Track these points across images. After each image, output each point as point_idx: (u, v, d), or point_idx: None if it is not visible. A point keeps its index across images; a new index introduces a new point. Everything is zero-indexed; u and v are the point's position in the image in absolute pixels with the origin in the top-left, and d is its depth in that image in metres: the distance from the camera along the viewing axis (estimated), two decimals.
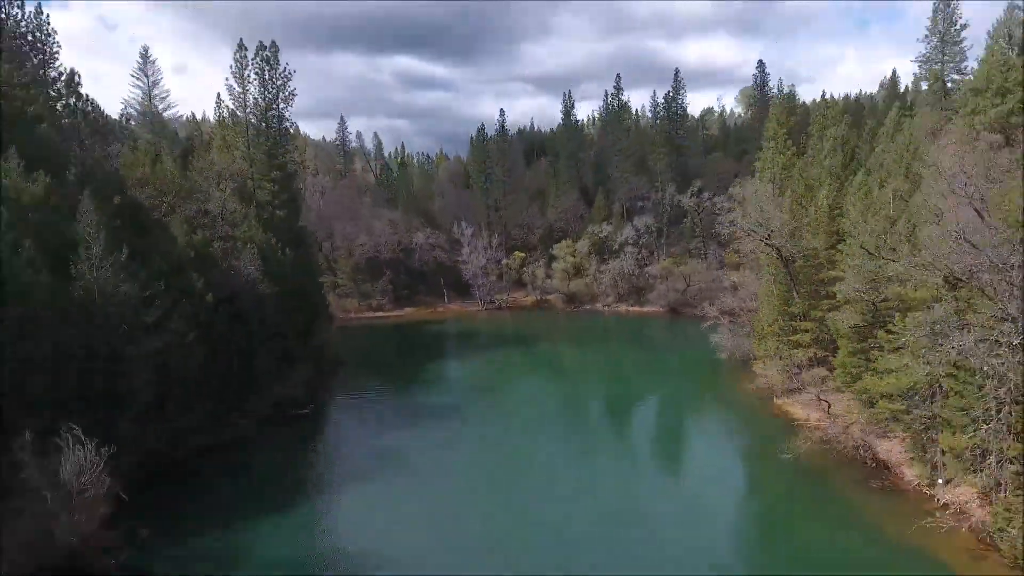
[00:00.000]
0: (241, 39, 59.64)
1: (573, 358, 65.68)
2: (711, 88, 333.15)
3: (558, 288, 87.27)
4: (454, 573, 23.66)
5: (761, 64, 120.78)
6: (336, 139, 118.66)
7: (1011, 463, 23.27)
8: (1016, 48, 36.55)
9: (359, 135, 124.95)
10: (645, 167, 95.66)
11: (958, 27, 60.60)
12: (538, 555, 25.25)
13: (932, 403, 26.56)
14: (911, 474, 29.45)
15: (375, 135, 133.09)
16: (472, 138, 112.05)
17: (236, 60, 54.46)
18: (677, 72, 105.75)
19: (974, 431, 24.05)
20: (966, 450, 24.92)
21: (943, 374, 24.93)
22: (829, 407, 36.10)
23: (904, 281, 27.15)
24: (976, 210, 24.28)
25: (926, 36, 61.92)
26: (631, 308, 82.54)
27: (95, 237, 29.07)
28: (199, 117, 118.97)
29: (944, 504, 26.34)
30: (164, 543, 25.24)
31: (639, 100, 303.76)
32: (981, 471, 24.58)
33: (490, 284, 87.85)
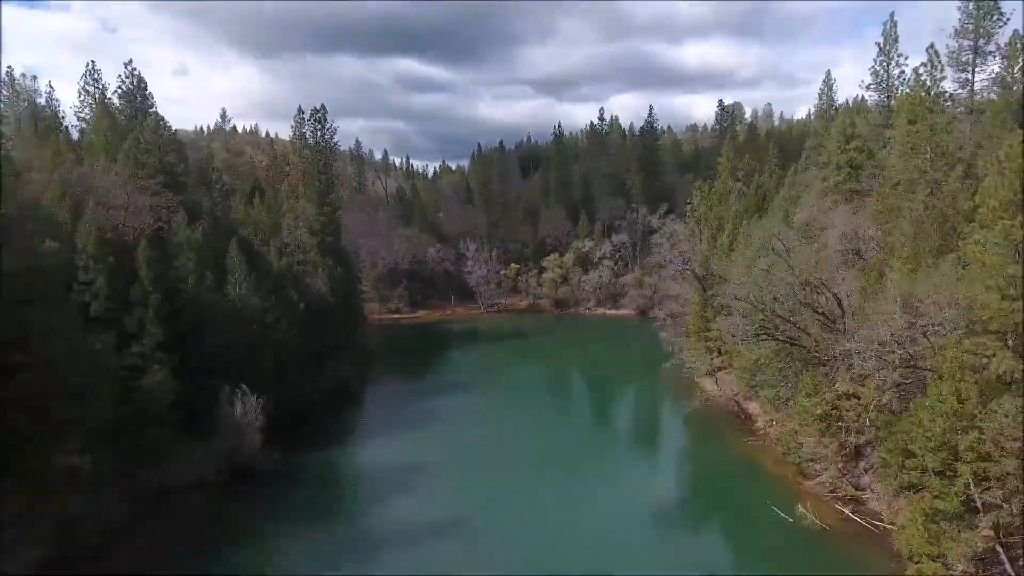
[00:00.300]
0: (300, 105, 76.39)
1: (556, 349, 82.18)
2: (710, 91, 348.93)
3: (548, 294, 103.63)
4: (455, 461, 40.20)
5: (721, 103, 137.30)
6: (349, 148, 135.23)
7: (795, 403, 39.43)
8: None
9: (357, 143, 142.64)
10: (623, 188, 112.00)
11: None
12: (504, 444, 42.17)
13: (762, 372, 42.80)
14: (761, 420, 45.72)
15: (384, 152, 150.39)
16: (473, 154, 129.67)
17: (296, 121, 70.85)
18: (651, 108, 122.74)
19: (779, 390, 40.29)
20: (779, 400, 41.10)
21: (765, 354, 41.09)
22: (716, 381, 52.53)
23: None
24: (786, 261, 40.26)
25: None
26: (608, 311, 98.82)
27: (237, 267, 45.37)
28: (205, 122, 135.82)
29: (769, 434, 42.65)
30: (296, 453, 41.56)
31: (633, 103, 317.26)
32: (784, 410, 40.79)
33: (490, 290, 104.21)
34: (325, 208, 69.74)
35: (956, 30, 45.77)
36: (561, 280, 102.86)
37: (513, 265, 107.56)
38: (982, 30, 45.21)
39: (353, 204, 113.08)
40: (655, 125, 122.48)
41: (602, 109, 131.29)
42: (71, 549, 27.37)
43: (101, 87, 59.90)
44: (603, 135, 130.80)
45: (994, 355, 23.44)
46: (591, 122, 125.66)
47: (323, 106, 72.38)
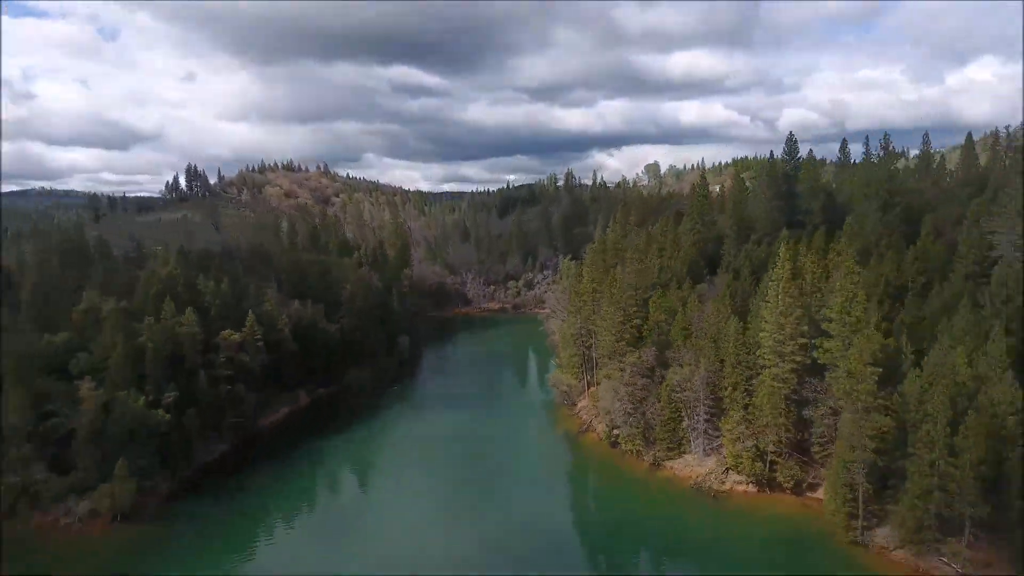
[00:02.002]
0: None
1: (507, 331, 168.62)
2: (697, 97, 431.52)
3: (510, 301, 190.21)
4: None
5: (656, 164, 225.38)
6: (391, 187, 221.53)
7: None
8: None
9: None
10: (565, 235, 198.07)
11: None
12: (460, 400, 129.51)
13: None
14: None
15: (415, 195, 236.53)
16: (471, 195, 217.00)
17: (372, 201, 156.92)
18: (570, 173, 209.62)
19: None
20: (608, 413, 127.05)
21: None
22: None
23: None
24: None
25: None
26: (539, 310, 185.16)
27: (396, 305, 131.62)
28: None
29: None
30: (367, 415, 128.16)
31: (622, 108, 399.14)
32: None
33: (479, 299, 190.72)
34: (404, 271, 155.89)
35: None
36: (516, 293, 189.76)
37: (492, 286, 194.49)
38: None
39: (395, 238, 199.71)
40: (575, 187, 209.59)
41: (555, 175, 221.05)
42: (241, 442, 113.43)
43: None
44: (556, 188, 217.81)
45: None
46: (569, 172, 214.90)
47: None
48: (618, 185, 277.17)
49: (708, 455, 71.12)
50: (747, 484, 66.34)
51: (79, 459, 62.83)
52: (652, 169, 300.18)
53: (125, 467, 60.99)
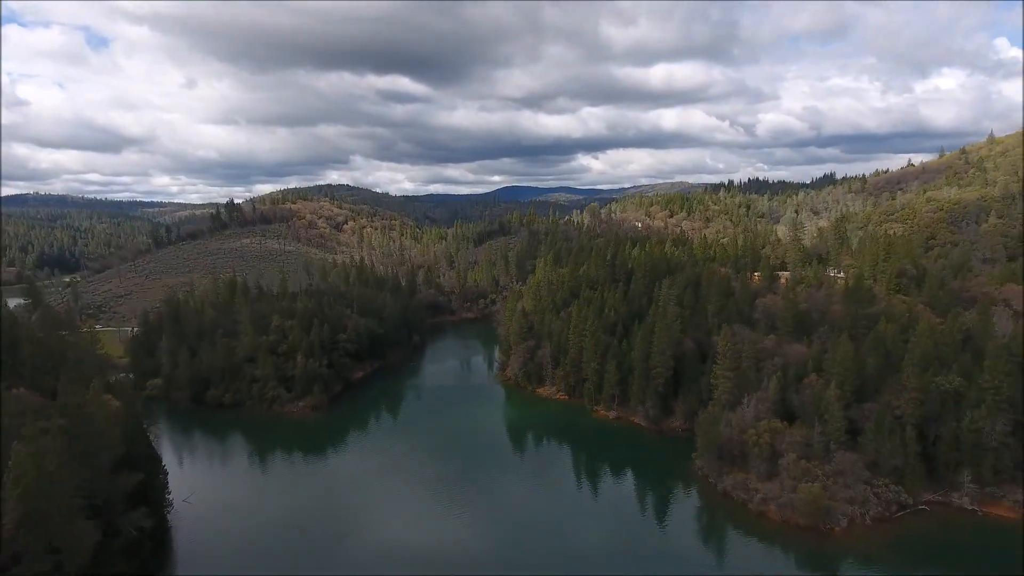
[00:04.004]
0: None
1: (477, 331, 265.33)
2: (678, 105, 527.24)
3: (482, 312, 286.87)
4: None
5: (595, 205, 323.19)
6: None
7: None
8: None
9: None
10: (519, 267, 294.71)
11: None
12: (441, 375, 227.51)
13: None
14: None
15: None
16: (456, 224, 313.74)
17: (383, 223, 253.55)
18: (533, 213, 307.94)
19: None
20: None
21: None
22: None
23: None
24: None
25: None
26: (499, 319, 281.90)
27: (415, 316, 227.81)
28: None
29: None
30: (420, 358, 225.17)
31: (604, 115, 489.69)
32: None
33: (460, 310, 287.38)
34: (414, 296, 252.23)
35: None
36: (484, 308, 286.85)
37: (467, 302, 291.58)
38: None
39: (404, 270, 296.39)
40: (532, 225, 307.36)
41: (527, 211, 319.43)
42: (345, 384, 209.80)
43: None
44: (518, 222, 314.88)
45: None
46: (555, 208, 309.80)
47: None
48: (566, 222, 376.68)
49: (554, 384, 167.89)
50: (563, 394, 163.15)
51: (296, 384, 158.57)
52: (592, 210, 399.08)
53: (316, 385, 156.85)
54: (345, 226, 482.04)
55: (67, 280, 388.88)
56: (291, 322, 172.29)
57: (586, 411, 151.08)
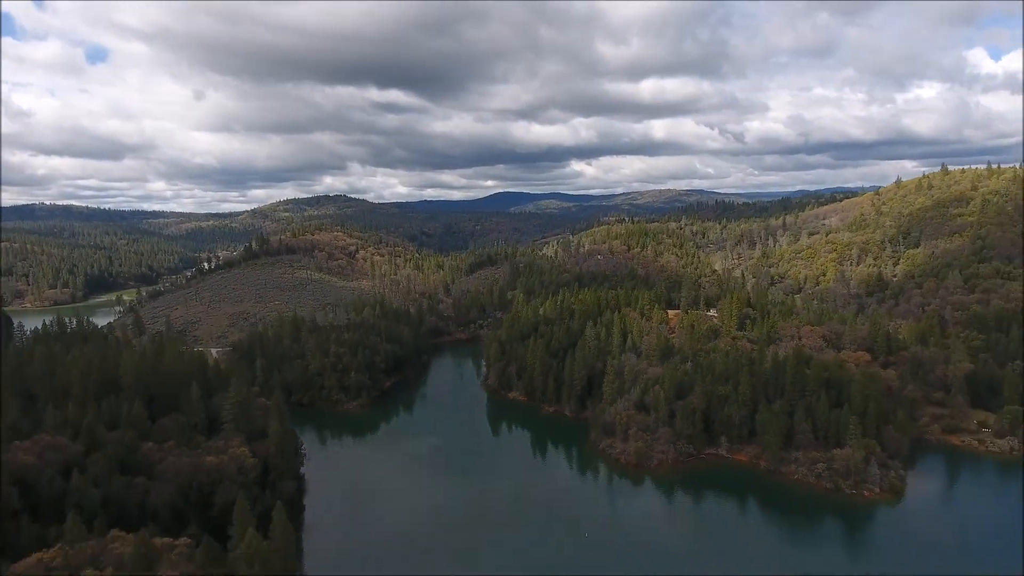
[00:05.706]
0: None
1: (469, 351, 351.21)
2: (668, 116, 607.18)
3: (473, 334, 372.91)
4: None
5: (568, 239, 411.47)
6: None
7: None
8: None
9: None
10: (502, 298, 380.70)
11: None
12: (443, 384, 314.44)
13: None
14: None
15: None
16: (451, 255, 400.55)
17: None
18: (515, 251, 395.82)
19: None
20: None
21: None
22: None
23: None
24: None
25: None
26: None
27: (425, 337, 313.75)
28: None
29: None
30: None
31: (596, 124, 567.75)
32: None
33: (456, 332, 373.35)
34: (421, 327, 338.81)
35: None
36: (474, 331, 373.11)
37: (461, 326, 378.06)
38: None
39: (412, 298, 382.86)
40: (516, 259, 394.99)
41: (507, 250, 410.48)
42: (381, 390, 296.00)
43: None
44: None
45: None
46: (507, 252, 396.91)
47: None
48: (541, 257, 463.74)
49: (518, 390, 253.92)
50: (524, 397, 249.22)
51: (351, 391, 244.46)
52: (564, 243, 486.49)
53: (363, 392, 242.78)
54: (357, 255, 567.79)
55: (127, 300, 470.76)
56: (343, 349, 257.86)
57: (537, 408, 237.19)
